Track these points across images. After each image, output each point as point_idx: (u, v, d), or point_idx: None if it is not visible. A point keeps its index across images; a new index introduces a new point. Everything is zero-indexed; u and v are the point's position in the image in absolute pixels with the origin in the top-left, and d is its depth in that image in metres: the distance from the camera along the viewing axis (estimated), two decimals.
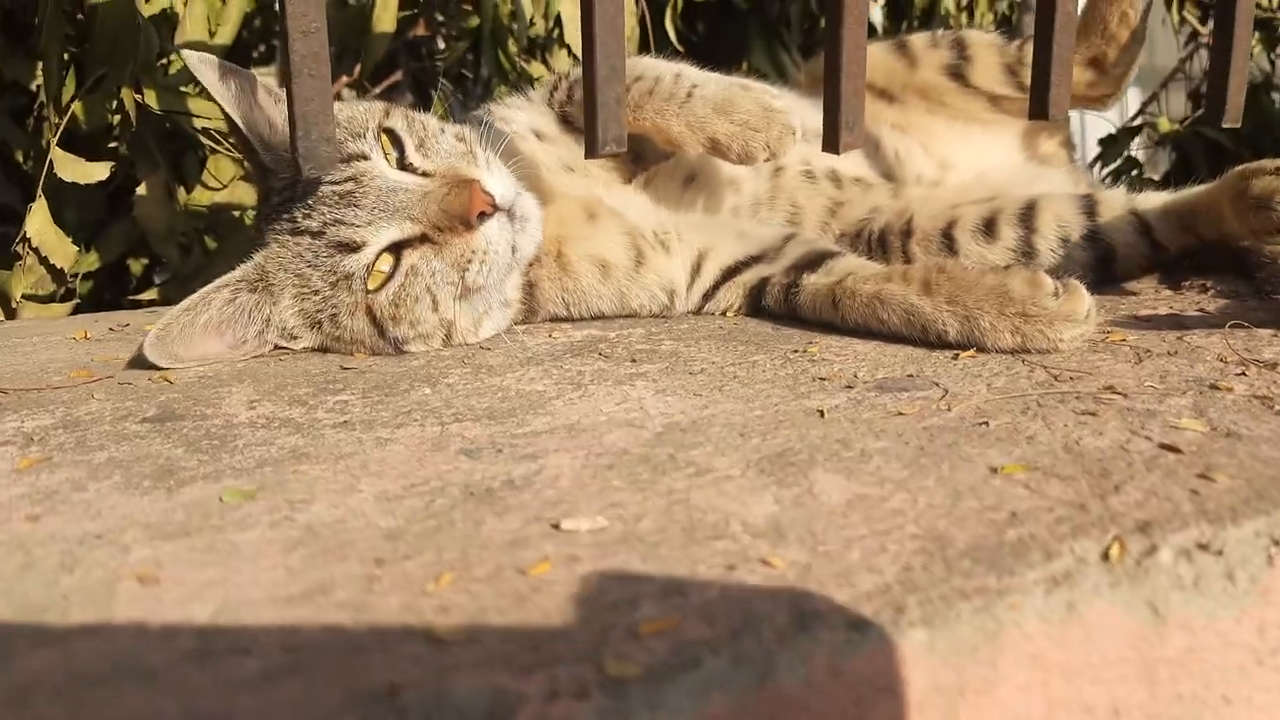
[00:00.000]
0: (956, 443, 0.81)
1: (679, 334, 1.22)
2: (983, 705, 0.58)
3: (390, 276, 1.15)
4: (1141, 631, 0.61)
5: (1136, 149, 3.10)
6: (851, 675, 0.54)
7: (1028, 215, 1.41)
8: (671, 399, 0.95)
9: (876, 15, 2.89)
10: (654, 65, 1.35)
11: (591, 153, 1.11)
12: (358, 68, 1.42)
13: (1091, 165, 3.02)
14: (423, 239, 1.15)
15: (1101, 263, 1.41)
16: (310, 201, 1.15)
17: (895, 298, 1.14)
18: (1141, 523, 0.66)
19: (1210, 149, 2.83)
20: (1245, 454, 0.77)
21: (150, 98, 1.57)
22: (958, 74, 1.59)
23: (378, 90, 1.89)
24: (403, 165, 1.18)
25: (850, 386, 0.97)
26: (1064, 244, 1.40)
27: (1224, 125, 1.52)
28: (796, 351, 1.11)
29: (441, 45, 2.27)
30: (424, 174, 1.17)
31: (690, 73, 1.33)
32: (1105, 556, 0.63)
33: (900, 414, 0.89)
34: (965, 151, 1.60)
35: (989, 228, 1.40)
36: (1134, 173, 3.05)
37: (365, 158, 1.15)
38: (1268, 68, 3.45)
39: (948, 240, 1.41)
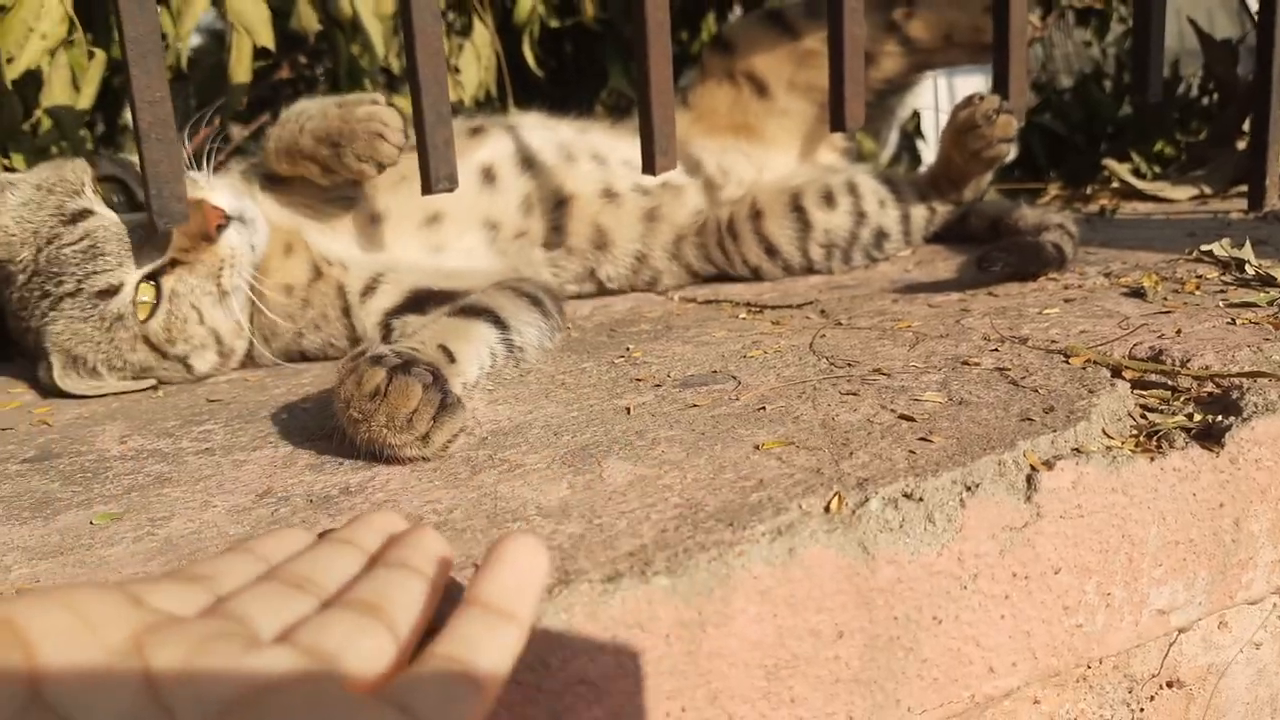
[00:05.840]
0: (734, 427, 0.96)
1: None
2: (722, 634, 0.72)
3: (156, 304, 1.26)
4: (854, 567, 0.76)
5: None
6: (606, 617, 0.68)
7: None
8: (501, 407, 1.08)
9: None
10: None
11: (427, 189, 1.24)
12: (217, 120, 1.52)
13: None
14: (173, 263, 1.27)
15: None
16: (54, 271, 1.24)
17: None
18: (861, 480, 0.81)
19: (1048, 137, 3.04)
20: (966, 418, 0.93)
21: (18, 161, 1.64)
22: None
23: (247, 133, 1.98)
24: (135, 205, 1.27)
25: (659, 385, 1.12)
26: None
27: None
28: (621, 357, 1.25)
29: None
30: None
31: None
32: (827, 509, 0.78)
33: (695, 405, 1.03)
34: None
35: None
36: None
37: (91, 212, 1.25)
38: (1099, 57, 3.71)
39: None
